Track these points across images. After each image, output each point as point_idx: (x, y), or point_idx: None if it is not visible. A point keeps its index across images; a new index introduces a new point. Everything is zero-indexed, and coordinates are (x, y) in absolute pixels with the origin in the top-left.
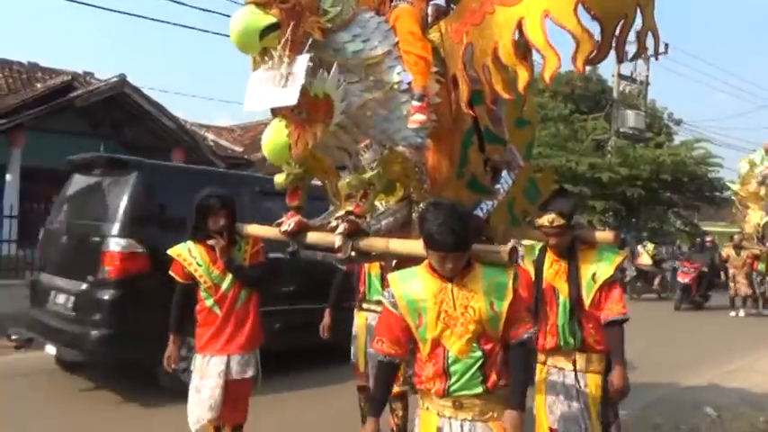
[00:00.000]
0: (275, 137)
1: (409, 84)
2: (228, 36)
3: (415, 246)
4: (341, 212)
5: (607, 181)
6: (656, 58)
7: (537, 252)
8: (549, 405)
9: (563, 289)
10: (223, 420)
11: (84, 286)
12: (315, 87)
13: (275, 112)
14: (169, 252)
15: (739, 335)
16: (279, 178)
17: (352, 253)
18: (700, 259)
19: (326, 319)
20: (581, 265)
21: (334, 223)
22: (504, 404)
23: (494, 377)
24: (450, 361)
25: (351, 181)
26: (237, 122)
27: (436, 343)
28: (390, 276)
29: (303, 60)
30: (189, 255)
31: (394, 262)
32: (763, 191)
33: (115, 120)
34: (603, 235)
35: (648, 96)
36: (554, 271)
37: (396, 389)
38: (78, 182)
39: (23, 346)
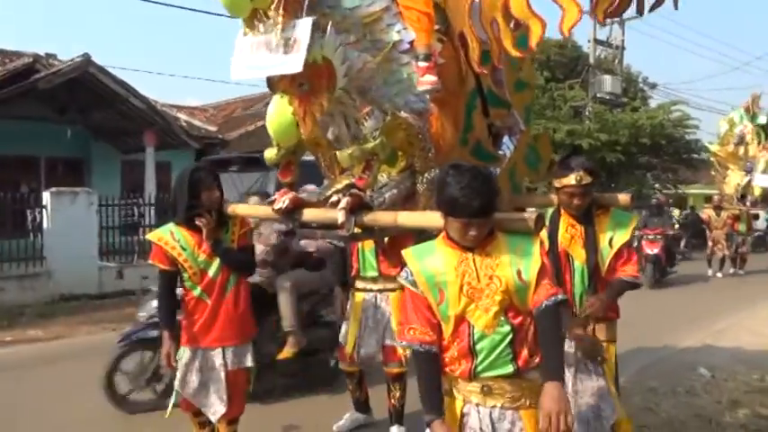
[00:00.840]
0: (280, 115)
1: (411, 43)
2: (193, 10)
3: (427, 218)
4: (338, 186)
5: (587, 147)
6: (676, 7)
7: (549, 217)
8: (566, 381)
9: (579, 255)
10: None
11: None
12: (313, 52)
13: (273, 86)
14: (149, 237)
15: (722, 295)
16: (269, 153)
17: (356, 229)
18: (659, 223)
19: (341, 298)
20: (597, 229)
21: (334, 198)
22: (537, 390)
23: (525, 354)
24: (475, 338)
25: (353, 152)
26: (209, 102)
27: (460, 319)
28: (405, 252)
29: (306, 24)
30: (172, 238)
31: (386, 238)
32: (741, 150)
33: (81, 103)
34: (622, 197)
35: (623, 61)
36: (569, 236)
37: (394, 369)
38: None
39: None
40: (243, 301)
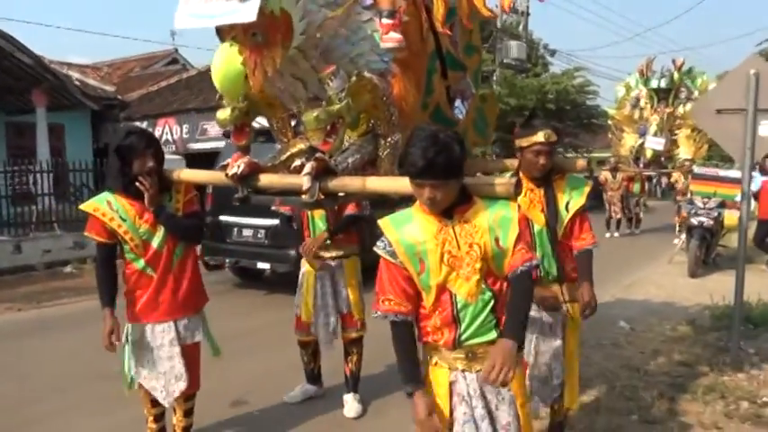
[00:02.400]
0: (228, 65)
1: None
2: None
3: (398, 183)
4: (293, 150)
5: (497, 112)
6: None
7: None
8: (531, 342)
9: (538, 219)
10: None
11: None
12: (271, 2)
13: (223, 34)
14: (82, 207)
15: (623, 254)
16: (222, 114)
17: (321, 195)
18: None
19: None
20: (556, 194)
21: (297, 162)
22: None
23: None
24: (458, 307)
25: (319, 114)
26: (99, 60)
27: (441, 289)
28: (382, 222)
29: None
30: (109, 208)
31: (336, 206)
32: (636, 114)
33: None
34: (579, 162)
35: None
36: (528, 200)
37: (352, 334)
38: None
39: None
40: (192, 272)
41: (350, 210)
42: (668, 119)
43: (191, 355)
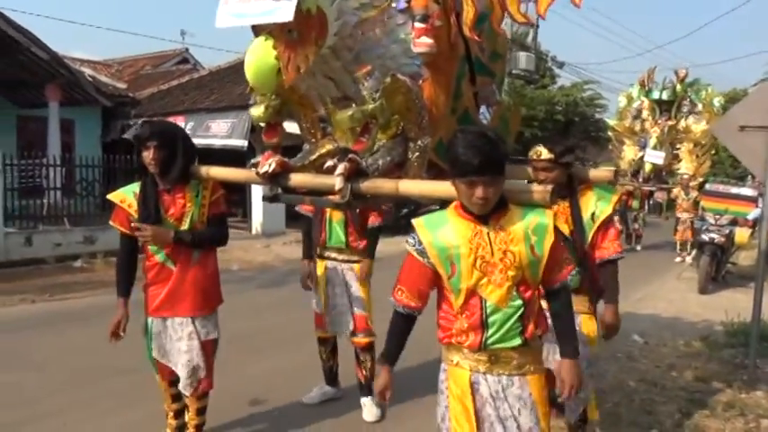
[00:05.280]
0: (262, 58)
1: (408, 3)
2: None
3: (432, 186)
4: (321, 150)
5: (520, 122)
6: None
7: None
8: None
9: (563, 230)
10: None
11: None
12: (307, 1)
13: (258, 29)
14: (110, 197)
15: (626, 269)
16: (256, 111)
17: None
18: None
19: (306, 269)
20: (581, 204)
21: (330, 163)
22: (539, 356)
23: (531, 327)
24: (488, 311)
25: (354, 114)
26: (106, 57)
27: (471, 293)
28: (416, 222)
29: None
30: (135, 200)
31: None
32: (637, 126)
33: None
34: (602, 173)
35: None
36: (552, 211)
37: (364, 339)
38: None
39: None
40: (211, 269)
41: (374, 221)
42: (669, 132)
43: (207, 353)
